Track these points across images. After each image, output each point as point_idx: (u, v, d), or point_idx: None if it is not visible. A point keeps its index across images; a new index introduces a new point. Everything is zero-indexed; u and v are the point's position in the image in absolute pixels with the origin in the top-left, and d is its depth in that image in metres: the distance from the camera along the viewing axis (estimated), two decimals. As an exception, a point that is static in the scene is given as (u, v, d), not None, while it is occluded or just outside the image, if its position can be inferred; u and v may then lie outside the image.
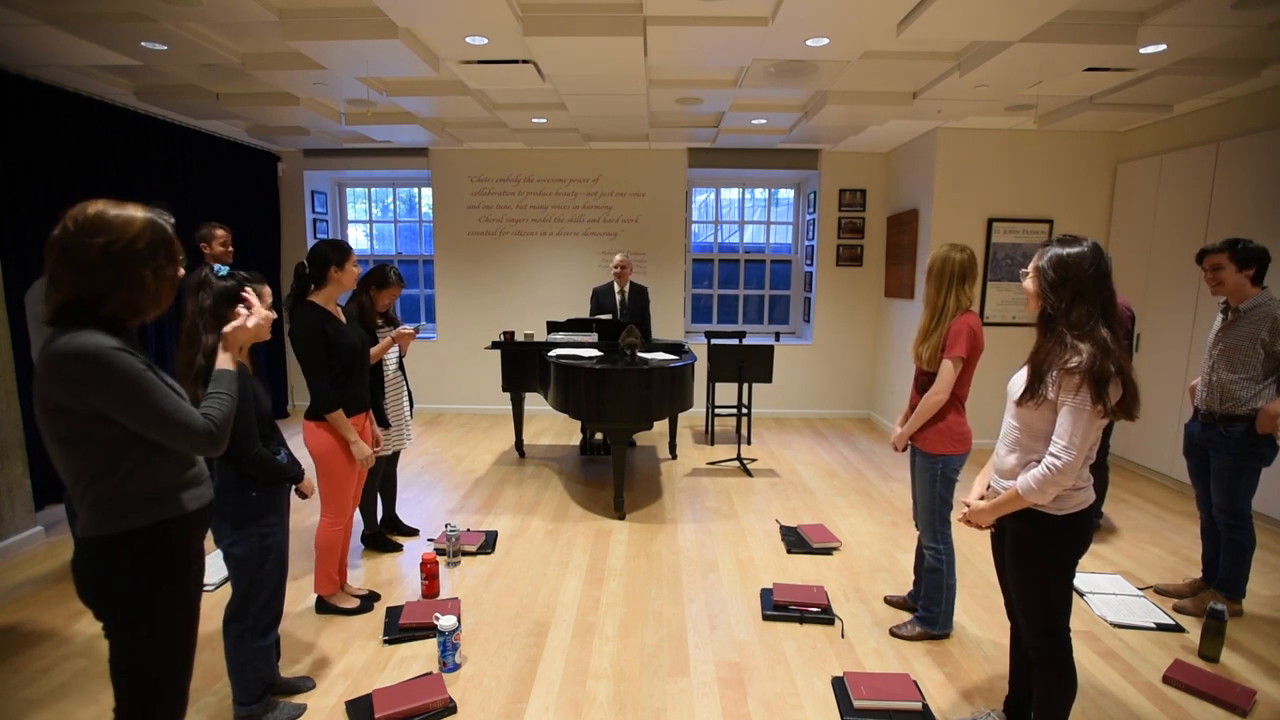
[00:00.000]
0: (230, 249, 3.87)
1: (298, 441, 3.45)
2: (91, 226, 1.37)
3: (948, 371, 2.54)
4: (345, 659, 2.64)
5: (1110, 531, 3.99)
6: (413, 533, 3.88)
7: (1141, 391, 1.75)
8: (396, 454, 3.72)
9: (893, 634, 2.84)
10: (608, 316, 5.26)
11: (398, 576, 3.37)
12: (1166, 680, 2.53)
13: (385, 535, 3.74)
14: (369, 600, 3.06)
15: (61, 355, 1.34)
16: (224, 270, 1.99)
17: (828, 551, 3.68)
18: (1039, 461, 1.79)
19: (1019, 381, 1.88)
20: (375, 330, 3.42)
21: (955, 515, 2.33)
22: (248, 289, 1.90)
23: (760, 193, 7.28)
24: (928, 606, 2.80)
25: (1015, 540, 1.92)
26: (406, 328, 3.51)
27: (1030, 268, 1.86)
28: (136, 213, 1.42)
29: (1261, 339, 2.77)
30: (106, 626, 1.49)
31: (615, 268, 5.49)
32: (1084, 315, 1.72)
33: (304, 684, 2.44)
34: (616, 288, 5.56)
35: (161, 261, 1.45)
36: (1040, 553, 1.86)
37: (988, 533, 2.07)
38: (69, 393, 1.35)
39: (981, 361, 2.62)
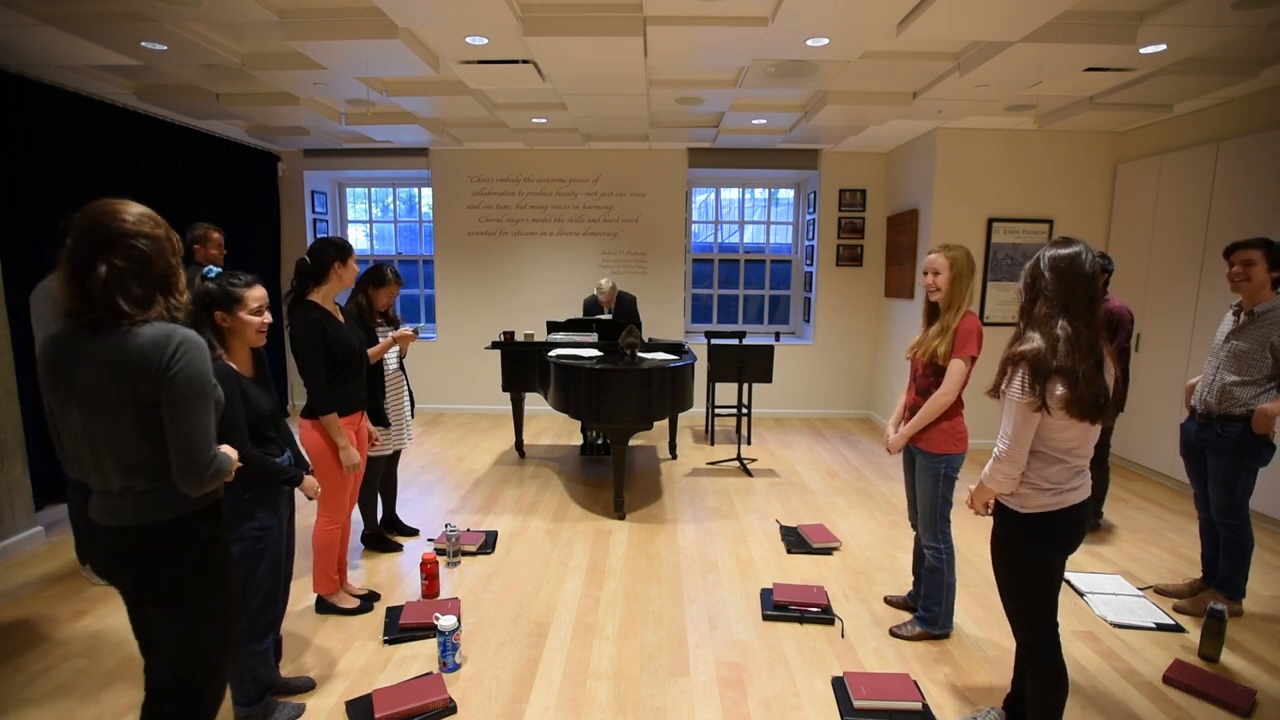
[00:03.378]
0: (223, 250, 3.85)
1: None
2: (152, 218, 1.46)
3: (959, 371, 2.53)
4: (345, 659, 2.64)
5: (1110, 531, 3.99)
6: (413, 533, 3.88)
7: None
8: (397, 454, 3.72)
9: (893, 634, 2.85)
10: (606, 316, 5.27)
11: (398, 576, 3.37)
12: (1166, 680, 2.53)
13: (385, 535, 3.74)
14: (369, 600, 3.06)
15: (191, 343, 1.44)
16: (215, 271, 1.98)
17: (828, 551, 3.68)
18: None
19: None
20: (374, 330, 3.42)
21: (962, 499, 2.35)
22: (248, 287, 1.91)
23: (760, 193, 7.28)
24: (928, 606, 2.80)
25: (995, 537, 1.99)
26: (406, 329, 3.51)
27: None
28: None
29: (1272, 343, 2.75)
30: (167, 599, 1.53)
31: (602, 297, 5.64)
32: (1043, 310, 1.81)
33: (304, 684, 2.44)
34: (604, 307, 5.72)
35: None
36: (1016, 550, 1.92)
37: (988, 533, 2.08)
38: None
39: (982, 362, 2.62)
